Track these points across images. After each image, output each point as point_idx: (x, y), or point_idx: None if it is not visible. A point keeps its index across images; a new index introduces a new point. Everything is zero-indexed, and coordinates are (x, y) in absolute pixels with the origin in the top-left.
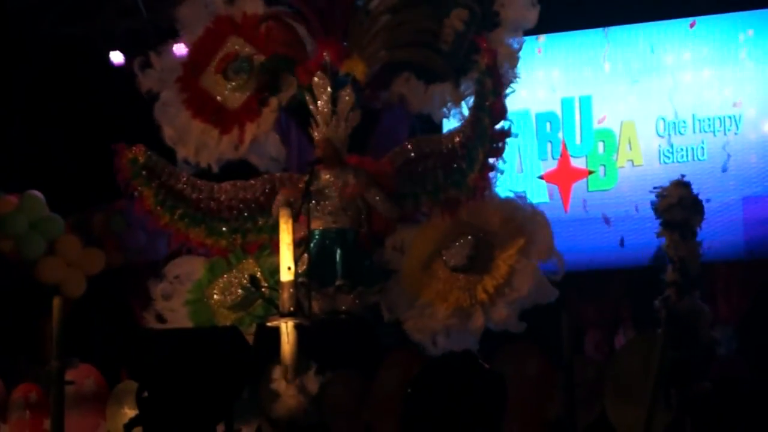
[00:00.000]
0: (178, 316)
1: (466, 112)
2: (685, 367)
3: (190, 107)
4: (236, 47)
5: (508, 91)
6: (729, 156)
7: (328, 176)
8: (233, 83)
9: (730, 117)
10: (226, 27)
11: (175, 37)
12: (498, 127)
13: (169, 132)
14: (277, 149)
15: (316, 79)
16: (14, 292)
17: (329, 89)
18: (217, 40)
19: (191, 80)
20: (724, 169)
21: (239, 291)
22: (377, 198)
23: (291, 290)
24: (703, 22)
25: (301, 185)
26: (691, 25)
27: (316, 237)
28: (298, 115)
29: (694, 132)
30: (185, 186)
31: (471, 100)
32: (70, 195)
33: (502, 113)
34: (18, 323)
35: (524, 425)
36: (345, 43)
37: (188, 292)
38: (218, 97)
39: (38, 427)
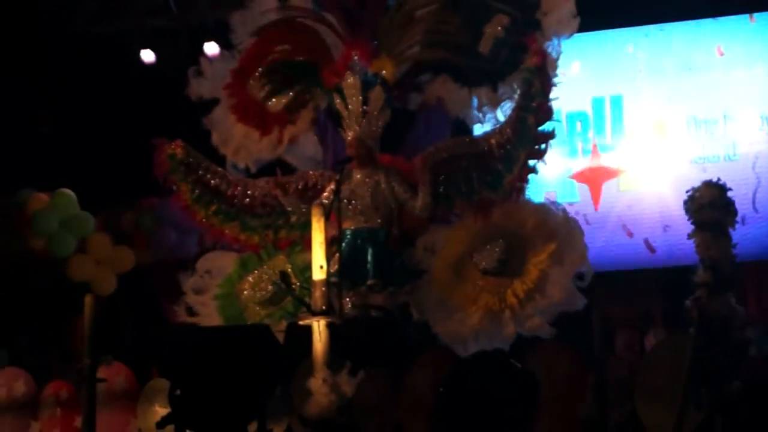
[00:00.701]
0: (208, 310)
1: (501, 117)
2: (716, 368)
3: (236, 112)
4: (279, 52)
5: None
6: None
7: (359, 176)
8: (272, 86)
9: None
10: (275, 34)
11: (205, 37)
12: (542, 128)
13: (216, 137)
14: (314, 149)
15: (345, 79)
16: (45, 290)
17: (360, 88)
18: (265, 47)
19: (239, 87)
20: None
21: (270, 287)
22: (408, 195)
23: (323, 289)
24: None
25: (332, 185)
26: (752, 20)
27: (348, 236)
28: (335, 115)
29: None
30: (220, 181)
31: (507, 104)
32: (100, 193)
33: (548, 114)
34: (49, 321)
35: (555, 424)
36: (375, 43)
37: (218, 287)
38: (261, 102)
39: (69, 424)
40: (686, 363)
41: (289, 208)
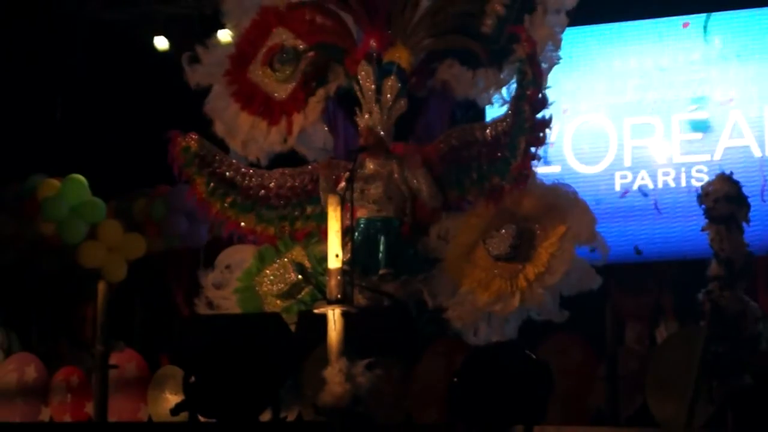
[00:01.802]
0: (229, 303)
1: (507, 97)
2: (728, 361)
3: (238, 100)
4: (282, 38)
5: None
6: None
7: (372, 165)
8: (279, 74)
9: None
10: (272, 18)
11: (219, 24)
12: (539, 116)
13: (219, 126)
14: (324, 139)
15: (360, 68)
16: (55, 276)
17: (374, 78)
18: (263, 31)
19: (239, 73)
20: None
21: (288, 279)
22: (421, 184)
23: (338, 277)
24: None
25: (345, 173)
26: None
27: (361, 225)
28: (345, 103)
29: None
30: (235, 173)
31: (513, 84)
32: (112, 179)
33: (542, 103)
34: (59, 307)
35: (566, 415)
36: (390, 31)
37: (238, 280)
38: (265, 89)
39: (80, 410)
40: (697, 356)
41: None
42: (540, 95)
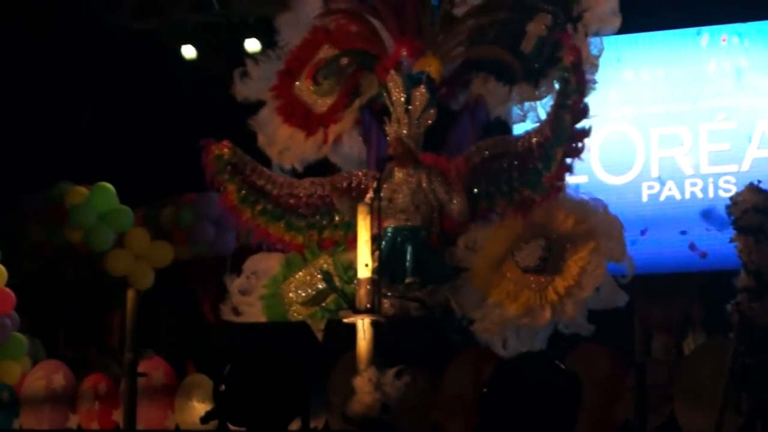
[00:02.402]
0: (254, 310)
1: (542, 114)
2: (757, 373)
3: (281, 113)
4: (327, 54)
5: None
6: None
7: (401, 174)
8: (321, 88)
9: None
10: (321, 36)
11: (246, 33)
12: (578, 126)
13: (262, 138)
14: (358, 148)
15: (389, 77)
16: (83, 284)
17: (403, 87)
18: (312, 49)
19: (285, 88)
20: None
21: (313, 287)
22: (450, 198)
23: (368, 287)
24: None
25: (373, 183)
26: None
27: (388, 234)
28: (379, 114)
29: None
30: (266, 182)
31: (548, 102)
32: (139, 188)
33: (583, 112)
34: (87, 315)
35: (593, 426)
36: (421, 41)
37: (264, 287)
38: (308, 103)
39: (107, 417)
40: (726, 367)
41: (344, 212)
42: (582, 104)
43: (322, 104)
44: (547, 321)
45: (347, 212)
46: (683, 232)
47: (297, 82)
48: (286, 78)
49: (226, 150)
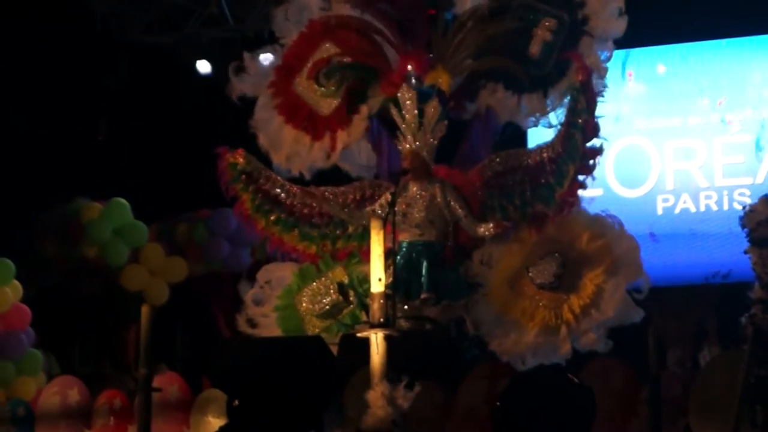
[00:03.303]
0: (269, 321)
1: (554, 121)
2: None
3: (282, 113)
4: (329, 53)
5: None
6: None
7: (415, 188)
8: (324, 89)
9: None
10: (319, 32)
11: (262, 47)
12: (589, 145)
13: (263, 139)
14: (368, 156)
15: (401, 91)
16: (98, 299)
17: (415, 101)
18: (311, 45)
19: (284, 85)
20: None
21: (328, 299)
22: (460, 213)
23: (381, 301)
24: None
25: (388, 196)
26: None
27: (403, 249)
28: (388, 122)
29: None
30: (280, 191)
31: (560, 110)
32: (154, 203)
33: (594, 131)
34: (102, 330)
35: None
36: (429, 54)
37: (278, 298)
38: (310, 103)
39: None
40: (740, 380)
41: (347, 220)
42: (593, 123)
43: (325, 105)
44: (568, 352)
45: (352, 220)
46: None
47: (296, 80)
48: (284, 74)
49: (240, 158)
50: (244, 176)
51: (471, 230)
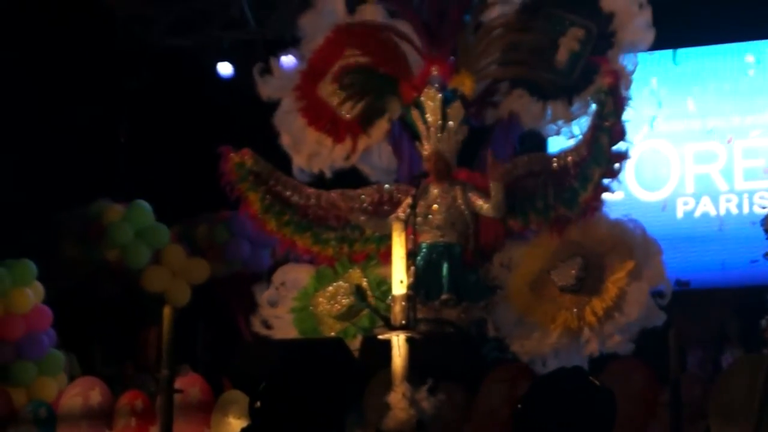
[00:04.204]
0: (284, 323)
1: (576, 131)
2: None
3: (306, 116)
4: (354, 58)
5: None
6: None
7: (436, 191)
8: (348, 93)
9: None
10: (345, 37)
11: (283, 48)
12: (616, 148)
13: (286, 139)
14: (388, 160)
15: (424, 94)
16: (120, 301)
17: (439, 104)
18: (336, 49)
19: (308, 89)
20: None
21: (345, 301)
22: (480, 203)
23: (403, 303)
24: None
25: (408, 199)
26: None
27: (423, 250)
28: (409, 126)
29: None
30: (292, 193)
31: (583, 119)
32: (175, 204)
33: (621, 134)
34: (124, 331)
35: None
36: (453, 59)
37: (294, 300)
38: (333, 107)
39: None
40: (761, 383)
41: (367, 228)
42: (620, 126)
43: (348, 109)
44: (594, 352)
45: (375, 229)
46: None
47: (321, 84)
48: (308, 78)
49: (247, 158)
50: (252, 176)
51: (488, 212)
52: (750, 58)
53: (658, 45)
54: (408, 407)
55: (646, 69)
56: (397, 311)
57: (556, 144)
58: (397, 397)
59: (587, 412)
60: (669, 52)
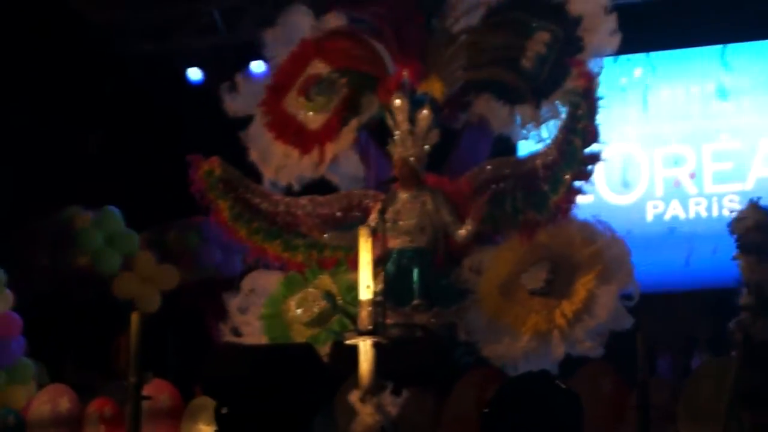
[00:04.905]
0: (253, 329)
1: (545, 134)
2: (760, 392)
3: (272, 130)
4: (319, 69)
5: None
6: None
7: (405, 196)
8: (314, 104)
9: None
10: (310, 50)
11: (253, 54)
12: (589, 150)
13: (254, 153)
14: (356, 168)
15: (394, 98)
16: (90, 307)
17: (407, 109)
18: (301, 63)
19: (274, 103)
20: None
21: (315, 307)
22: (448, 220)
23: (370, 308)
24: None
25: (377, 205)
26: None
27: (394, 256)
28: (377, 133)
29: None
30: (262, 200)
31: (552, 123)
32: (146, 211)
33: (594, 136)
34: (94, 338)
35: None
36: (423, 63)
37: (263, 306)
38: (299, 119)
39: None
40: (729, 386)
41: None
42: (593, 129)
43: (315, 120)
44: (561, 355)
45: (340, 242)
46: None
47: (287, 97)
48: (274, 93)
49: (216, 166)
50: (221, 184)
51: (455, 235)
52: (719, 63)
53: (629, 49)
54: (374, 412)
55: (617, 72)
56: (364, 316)
57: (527, 148)
58: (363, 402)
59: (553, 416)
60: (642, 55)
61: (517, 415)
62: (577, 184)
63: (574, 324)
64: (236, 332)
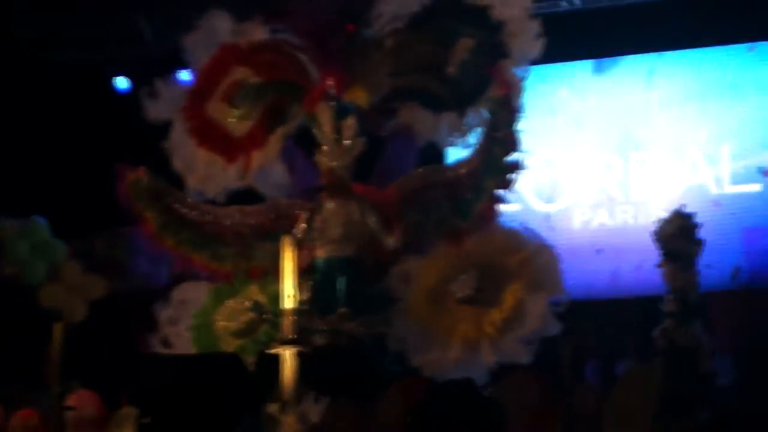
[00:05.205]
0: (183, 340)
1: (472, 141)
2: (684, 398)
3: (195, 136)
4: (242, 75)
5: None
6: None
7: (332, 205)
8: (238, 111)
9: None
10: (231, 56)
11: (181, 64)
12: (509, 159)
13: (177, 162)
14: (282, 177)
15: (319, 108)
16: (15, 317)
17: (332, 118)
18: (222, 68)
19: (196, 109)
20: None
21: (243, 317)
22: (375, 229)
23: (292, 317)
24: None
25: (304, 213)
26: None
27: (321, 265)
28: (303, 142)
29: None
30: (190, 210)
31: (479, 130)
32: (72, 220)
33: (514, 145)
34: (18, 348)
35: None
36: (347, 72)
37: (193, 317)
38: (223, 126)
39: None
40: (654, 393)
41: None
42: (513, 137)
43: (240, 128)
44: (491, 362)
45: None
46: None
47: (210, 103)
48: (196, 98)
49: (143, 176)
50: (148, 194)
51: (384, 243)
52: (651, 72)
53: (566, 56)
54: (295, 422)
55: (554, 79)
56: (287, 325)
57: (456, 155)
58: (285, 412)
59: (476, 424)
60: (583, 62)
61: (439, 424)
62: (500, 192)
63: (504, 332)
64: (166, 343)
